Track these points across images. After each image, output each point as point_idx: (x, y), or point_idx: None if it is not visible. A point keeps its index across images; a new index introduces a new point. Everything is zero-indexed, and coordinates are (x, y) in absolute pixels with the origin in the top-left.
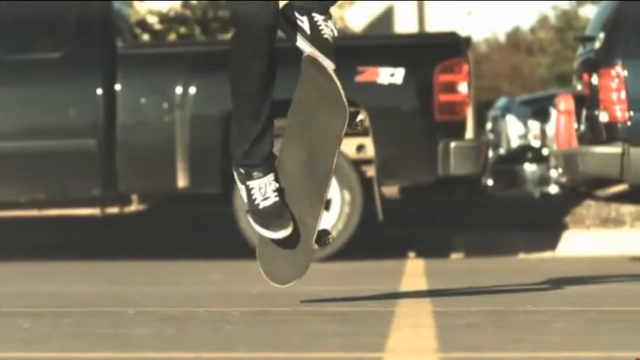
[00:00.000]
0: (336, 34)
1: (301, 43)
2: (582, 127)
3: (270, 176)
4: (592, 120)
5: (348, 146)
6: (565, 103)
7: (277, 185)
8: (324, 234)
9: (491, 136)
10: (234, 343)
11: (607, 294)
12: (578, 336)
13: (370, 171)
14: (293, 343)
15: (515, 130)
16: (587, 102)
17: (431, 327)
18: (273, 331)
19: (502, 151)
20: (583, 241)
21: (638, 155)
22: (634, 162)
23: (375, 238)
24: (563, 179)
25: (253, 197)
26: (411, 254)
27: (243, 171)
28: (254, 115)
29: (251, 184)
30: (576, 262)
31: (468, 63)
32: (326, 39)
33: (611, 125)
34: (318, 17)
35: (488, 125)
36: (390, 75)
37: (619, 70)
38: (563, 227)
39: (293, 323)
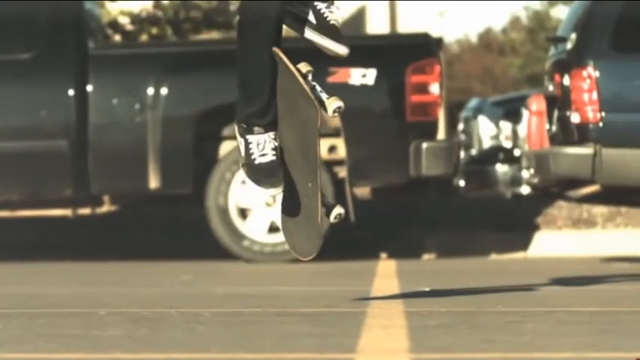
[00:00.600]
0: (340, 18)
1: (309, 34)
2: (554, 128)
3: (271, 134)
4: (564, 121)
5: (320, 147)
6: (537, 103)
7: (276, 144)
8: (332, 208)
9: (463, 136)
10: (206, 343)
11: (578, 295)
12: (550, 337)
13: (342, 172)
14: (265, 344)
15: (486, 131)
16: (559, 103)
17: (403, 328)
18: (244, 332)
19: (474, 151)
20: (555, 242)
21: (610, 156)
22: (605, 163)
23: (346, 239)
24: (535, 180)
25: (250, 152)
26: (383, 255)
27: (244, 125)
28: (259, 82)
29: (250, 138)
30: (548, 262)
31: (440, 64)
32: (333, 25)
33: (582, 126)
34: (321, 5)
35: (460, 126)
36: (362, 76)
37: (590, 71)
38: (535, 228)
39: (265, 324)
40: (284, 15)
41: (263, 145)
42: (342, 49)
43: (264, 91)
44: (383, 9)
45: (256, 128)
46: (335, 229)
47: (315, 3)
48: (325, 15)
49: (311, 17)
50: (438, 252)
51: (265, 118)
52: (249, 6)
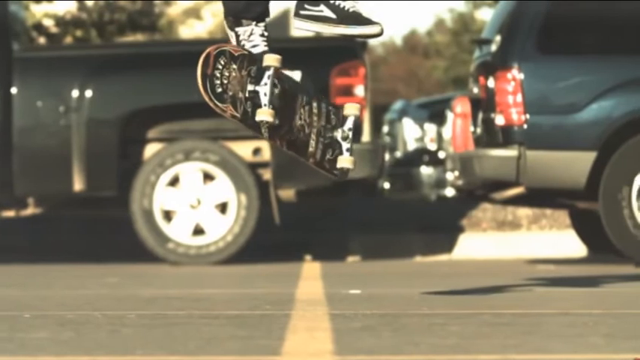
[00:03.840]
0: (357, 2)
1: (336, 30)
2: (478, 130)
3: (261, 25)
4: (488, 123)
5: (244, 149)
6: (461, 106)
7: (267, 34)
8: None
9: (387, 139)
10: (131, 346)
11: (503, 297)
12: (474, 339)
13: (266, 174)
14: (189, 346)
15: (411, 133)
16: (484, 105)
17: (327, 330)
18: (169, 334)
19: (399, 154)
20: (479, 244)
21: (534, 158)
22: (530, 165)
23: (271, 241)
24: (460, 182)
25: (242, 44)
26: (308, 257)
27: (231, 19)
28: None
29: (239, 30)
30: (473, 264)
31: (365, 66)
32: (354, 12)
33: (507, 128)
34: None
35: (385, 128)
36: None
37: (515, 73)
38: (460, 230)
39: (189, 326)
40: (303, 20)
41: (253, 37)
42: (374, 29)
43: None
44: None
45: (245, 21)
46: (260, 232)
47: None
48: (342, 6)
49: (329, 14)
50: (362, 254)
51: (253, 12)
52: None
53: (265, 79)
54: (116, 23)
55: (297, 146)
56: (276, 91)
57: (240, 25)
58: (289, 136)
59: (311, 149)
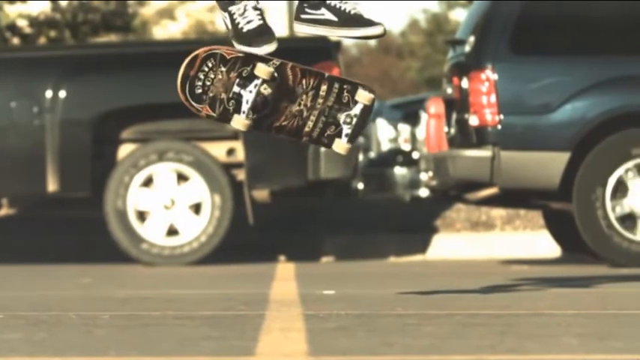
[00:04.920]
0: (358, 3)
1: (338, 32)
2: (452, 131)
3: (252, 1)
4: (462, 123)
5: (218, 150)
6: (435, 106)
7: (260, 8)
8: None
9: (361, 139)
10: (105, 347)
11: (477, 297)
12: (448, 339)
13: (241, 175)
14: (163, 347)
15: (385, 134)
16: (458, 105)
17: (301, 330)
18: (143, 335)
19: (372, 154)
20: (453, 245)
21: (508, 159)
22: (504, 166)
23: (245, 241)
24: (434, 183)
25: (236, 22)
26: (282, 258)
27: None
28: None
29: (232, 9)
30: (447, 265)
31: (339, 67)
32: (355, 13)
33: (481, 129)
34: (334, 1)
35: None
36: None
37: (489, 74)
38: (434, 230)
39: (163, 327)
40: (304, 24)
41: (247, 13)
42: (377, 30)
43: None
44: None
45: None
46: (234, 232)
47: (328, 1)
48: (343, 8)
49: (330, 16)
50: (336, 254)
51: None
52: None
53: (252, 87)
54: (90, 24)
55: (288, 130)
56: (259, 99)
57: (232, 4)
58: (280, 123)
59: (307, 129)
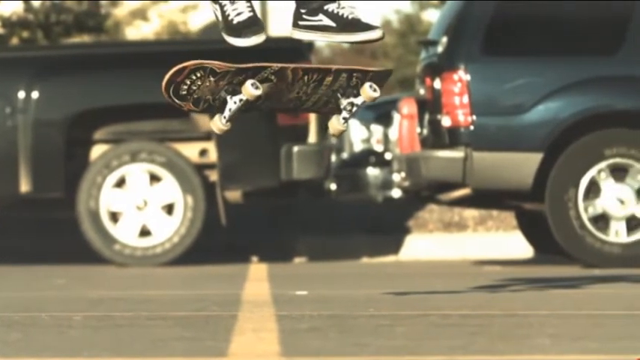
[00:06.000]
0: (354, 6)
1: (337, 38)
2: (425, 132)
3: None
4: (435, 124)
5: (191, 151)
6: (408, 107)
7: (250, 1)
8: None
9: (334, 140)
10: (78, 348)
11: (450, 298)
12: (421, 340)
13: (213, 175)
14: (136, 347)
15: (358, 135)
16: (430, 106)
17: (274, 331)
18: (116, 336)
19: (345, 155)
20: (426, 245)
21: (481, 160)
22: (476, 166)
23: (218, 242)
24: (406, 183)
25: (227, 14)
26: (254, 259)
27: None
28: None
29: (223, 2)
30: (419, 266)
31: None
32: (352, 18)
33: (453, 130)
34: (331, 6)
35: None
36: None
37: (461, 75)
38: (407, 231)
39: (136, 328)
40: (302, 31)
41: (237, 5)
42: (375, 34)
43: None
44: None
45: None
46: (206, 233)
47: (325, 7)
48: (341, 14)
49: (328, 22)
50: (309, 255)
51: None
52: None
53: (237, 99)
54: (62, 24)
55: (283, 109)
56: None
57: None
58: (274, 107)
59: (305, 107)
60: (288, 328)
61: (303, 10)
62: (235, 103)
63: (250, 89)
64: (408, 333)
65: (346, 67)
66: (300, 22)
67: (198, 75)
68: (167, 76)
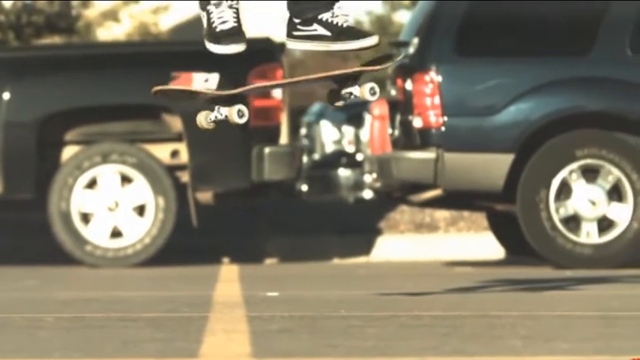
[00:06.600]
0: (348, 14)
1: (332, 47)
2: (396, 133)
3: (231, 2)
4: (406, 125)
5: (162, 152)
6: (379, 108)
7: (237, 9)
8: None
9: (305, 141)
10: (49, 349)
11: (421, 299)
12: (392, 341)
13: (184, 177)
14: (107, 348)
15: (329, 136)
16: (402, 107)
17: (245, 332)
18: (87, 337)
19: (316, 156)
20: (397, 246)
21: (452, 161)
22: (448, 167)
23: (189, 243)
24: (378, 184)
25: (212, 21)
26: (225, 260)
27: None
28: None
29: (211, 8)
30: (391, 267)
31: (283, 68)
32: (347, 26)
33: (425, 131)
34: (325, 15)
35: (303, 131)
36: (205, 80)
37: (433, 76)
38: (378, 232)
39: (107, 329)
40: (296, 41)
41: (223, 13)
42: (371, 41)
43: None
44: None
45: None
46: (177, 234)
47: (319, 17)
48: (335, 22)
49: (323, 31)
50: (280, 256)
51: None
52: None
53: (225, 111)
54: (33, 25)
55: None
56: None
57: (209, 4)
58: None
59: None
60: (259, 329)
61: (297, 21)
62: (221, 114)
63: (235, 117)
64: (380, 334)
65: (324, 74)
66: (295, 33)
67: (184, 90)
68: (157, 89)
